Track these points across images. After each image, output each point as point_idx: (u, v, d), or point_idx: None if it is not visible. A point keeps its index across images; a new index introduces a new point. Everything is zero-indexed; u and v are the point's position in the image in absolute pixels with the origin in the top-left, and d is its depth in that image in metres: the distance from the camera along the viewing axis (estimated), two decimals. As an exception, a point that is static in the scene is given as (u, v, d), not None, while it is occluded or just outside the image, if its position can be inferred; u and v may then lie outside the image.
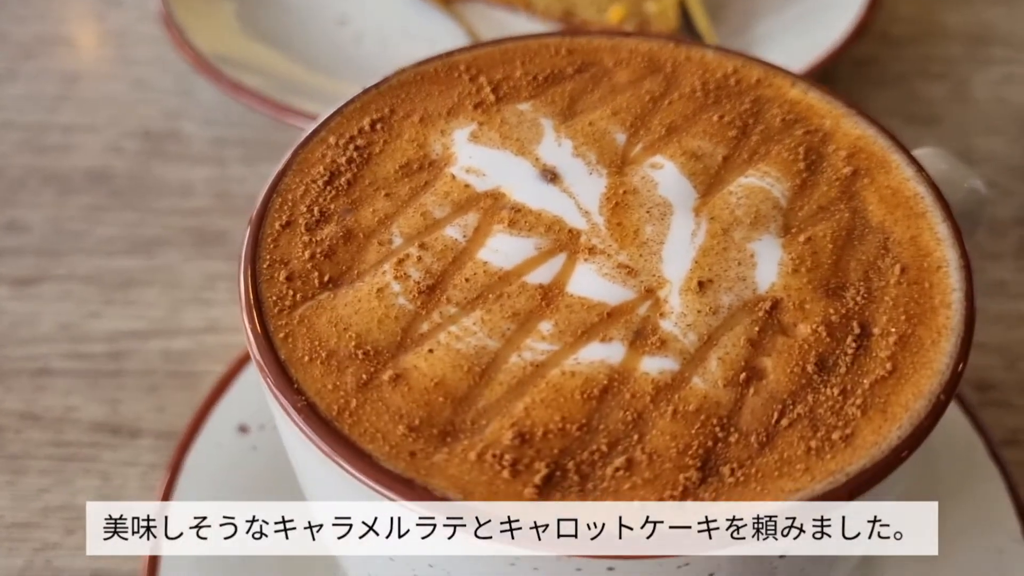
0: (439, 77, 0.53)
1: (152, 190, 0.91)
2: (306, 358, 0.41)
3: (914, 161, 0.49)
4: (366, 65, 0.98)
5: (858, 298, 0.43)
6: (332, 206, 0.47)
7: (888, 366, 0.41)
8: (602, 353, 0.41)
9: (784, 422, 0.39)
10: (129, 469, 0.71)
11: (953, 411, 0.66)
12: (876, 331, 0.42)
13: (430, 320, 0.42)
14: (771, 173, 0.48)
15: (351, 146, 0.49)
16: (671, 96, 0.52)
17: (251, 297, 0.43)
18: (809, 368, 0.41)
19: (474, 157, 0.49)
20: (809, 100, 0.52)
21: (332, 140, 0.50)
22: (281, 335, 0.42)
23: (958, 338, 0.41)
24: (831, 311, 0.42)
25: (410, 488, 0.37)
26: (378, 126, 0.50)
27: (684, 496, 0.37)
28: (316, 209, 0.46)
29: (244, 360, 0.70)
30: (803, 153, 0.49)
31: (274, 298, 0.43)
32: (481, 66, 0.54)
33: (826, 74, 0.91)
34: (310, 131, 0.50)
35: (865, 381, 0.40)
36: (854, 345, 0.41)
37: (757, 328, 0.42)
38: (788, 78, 0.53)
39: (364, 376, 0.40)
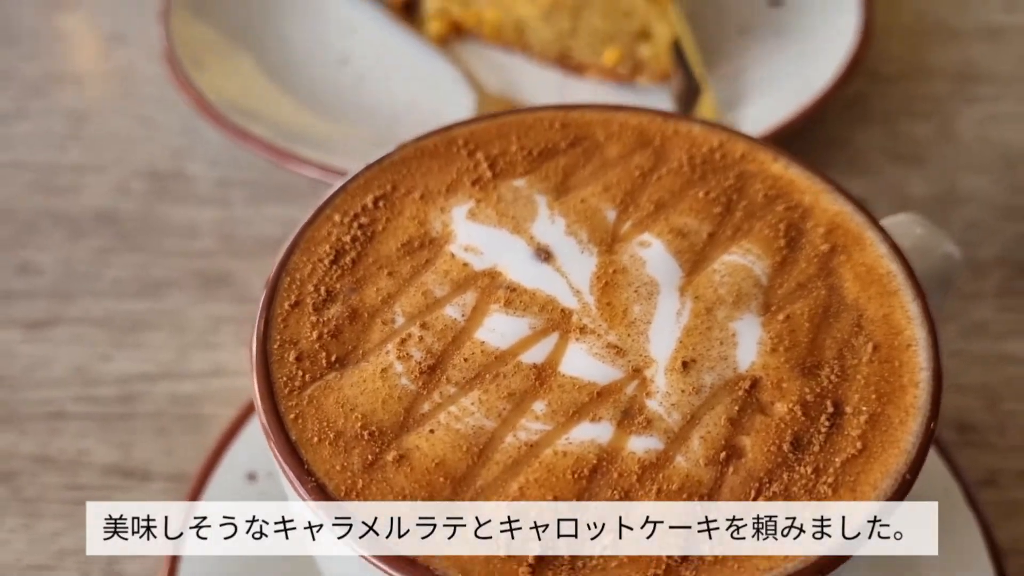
0: (439, 152, 0.56)
1: (158, 231, 0.94)
2: (315, 439, 0.44)
3: (887, 238, 0.51)
4: (367, 105, 1.01)
5: (832, 376, 0.46)
6: (338, 285, 0.49)
7: (859, 444, 0.44)
8: (592, 433, 0.44)
9: (760, 500, 0.42)
10: (141, 513, 0.73)
11: (930, 455, 0.69)
12: (848, 410, 0.45)
13: (431, 400, 0.45)
14: (753, 250, 0.51)
15: (355, 224, 0.52)
16: (659, 171, 0.55)
17: (263, 379, 0.45)
18: (785, 447, 0.43)
19: (472, 235, 0.51)
20: (790, 175, 0.55)
21: (337, 218, 0.52)
22: (292, 416, 0.44)
23: (924, 417, 0.44)
24: (807, 390, 0.45)
25: (412, 566, 0.40)
26: (381, 203, 0.53)
27: (668, 574, 0.40)
28: (323, 288, 0.49)
29: (250, 408, 0.73)
30: (784, 229, 0.52)
31: (284, 379, 0.46)
32: (479, 141, 0.56)
33: (816, 113, 0.94)
34: (316, 208, 0.53)
35: (837, 460, 0.43)
36: (827, 424, 0.44)
37: (737, 407, 0.45)
38: (771, 153, 0.56)
39: (370, 457, 0.43)
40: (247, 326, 0.86)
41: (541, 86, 1.02)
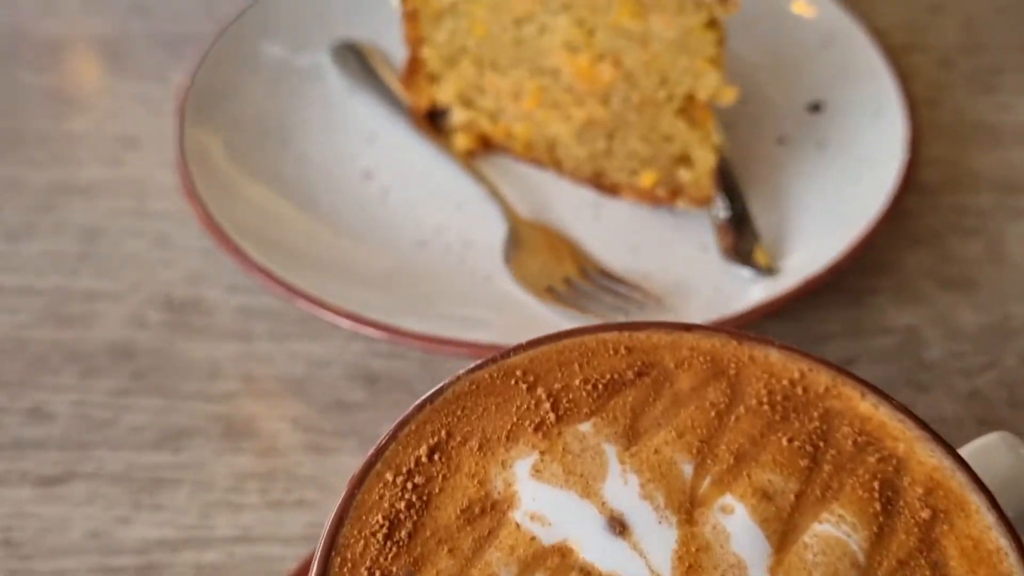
0: (495, 387, 0.52)
1: (177, 371, 0.89)
2: None
3: (995, 505, 0.47)
4: (392, 228, 0.97)
5: None
6: (394, 568, 0.45)
7: None
8: None
9: None
10: None
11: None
12: None
13: None
14: (846, 518, 0.46)
15: (409, 484, 0.48)
16: (737, 410, 0.51)
17: None
18: None
19: (538, 498, 0.47)
20: (880, 417, 0.50)
21: (389, 476, 0.48)
22: None
23: None
24: None
25: None
26: (435, 455, 0.49)
27: None
28: (377, 572, 0.45)
29: (281, 596, 0.69)
30: (878, 488, 0.47)
31: None
32: (538, 372, 0.52)
33: (866, 247, 0.89)
34: (366, 463, 0.48)
35: None
36: None
37: None
38: (857, 387, 0.51)
39: None
40: (272, 483, 0.82)
41: (574, 206, 0.98)
